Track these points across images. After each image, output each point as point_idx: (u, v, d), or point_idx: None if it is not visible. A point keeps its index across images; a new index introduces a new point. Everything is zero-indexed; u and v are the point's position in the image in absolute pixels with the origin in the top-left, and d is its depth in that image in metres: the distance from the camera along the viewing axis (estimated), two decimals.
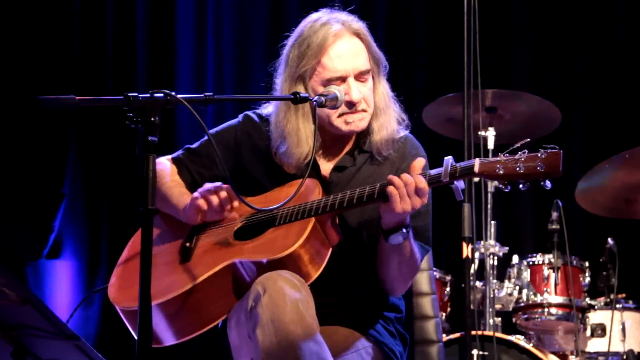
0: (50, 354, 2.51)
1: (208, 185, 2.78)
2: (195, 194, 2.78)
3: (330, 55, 2.77)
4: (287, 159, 2.84)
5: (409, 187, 2.54)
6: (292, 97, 2.63)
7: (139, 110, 2.21)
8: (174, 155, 3.03)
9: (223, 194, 2.76)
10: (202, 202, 2.75)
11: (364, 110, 2.80)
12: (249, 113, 3.00)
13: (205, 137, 2.98)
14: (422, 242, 2.83)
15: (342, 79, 2.78)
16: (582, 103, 5.75)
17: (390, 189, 2.55)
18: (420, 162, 2.60)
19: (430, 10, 5.94)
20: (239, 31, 5.90)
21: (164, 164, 2.97)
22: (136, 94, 2.22)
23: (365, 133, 2.86)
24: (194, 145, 3.01)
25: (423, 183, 2.55)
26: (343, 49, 2.78)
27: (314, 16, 2.86)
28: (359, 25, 2.84)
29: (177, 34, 5.81)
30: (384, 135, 2.84)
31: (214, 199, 2.75)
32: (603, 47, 5.78)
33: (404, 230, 2.63)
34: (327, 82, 2.78)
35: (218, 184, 2.78)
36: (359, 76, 2.79)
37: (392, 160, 2.87)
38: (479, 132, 4.58)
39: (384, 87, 2.87)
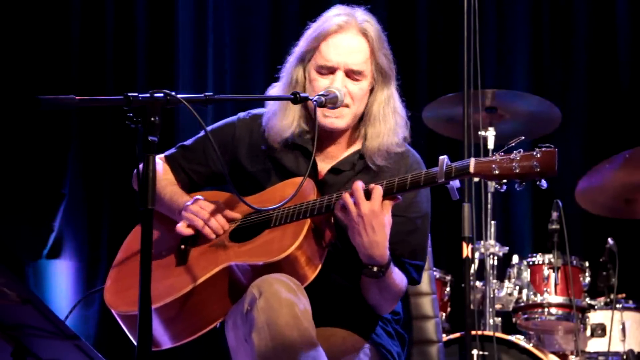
0: (50, 354, 2.51)
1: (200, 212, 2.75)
2: (187, 213, 2.75)
3: (328, 43, 2.78)
4: (271, 130, 2.84)
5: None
6: (292, 97, 2.61)
7: (139, 110, 2.21)
8: (167, 153, 3.01)
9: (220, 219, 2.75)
10: (186, 230, 2.75)
11: (345, 106, 2.76)
12: (255, 111, 2.98)
13: (200, 134, 2.97)
14: (419, 259, 2.81)
15: (331, 70, 2.76)
16: (582, 103, 5.75)
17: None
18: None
19: (430, 9, 5.94)
20: (239, 31, 5.90)
21: (157, 163, 2.90)
22: (136, 94, 2.21)
23: (364, 138, 2.83)
24: (188, 142, 2.99)
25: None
26: (342, 41, 2.77)
27: (339, 7, 2.87)
28: (372, 27, 2.82)
29: (177, 34, 5.80)
30: (376, 144, 2.79)
31: (207, 231, 2.74)
32: (603, 47, 5.78)
33: (375, 270, 2.62)
34: (319, 69, 2.78)
35: (210, 204, 2.75)
36: (350, 74, 2.77)
37: (391, 172, 2.80)
38: (479, 132, 4.57)
39: (386, 97, 2.83)
